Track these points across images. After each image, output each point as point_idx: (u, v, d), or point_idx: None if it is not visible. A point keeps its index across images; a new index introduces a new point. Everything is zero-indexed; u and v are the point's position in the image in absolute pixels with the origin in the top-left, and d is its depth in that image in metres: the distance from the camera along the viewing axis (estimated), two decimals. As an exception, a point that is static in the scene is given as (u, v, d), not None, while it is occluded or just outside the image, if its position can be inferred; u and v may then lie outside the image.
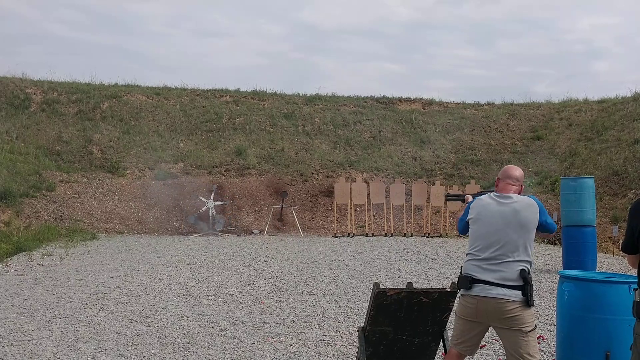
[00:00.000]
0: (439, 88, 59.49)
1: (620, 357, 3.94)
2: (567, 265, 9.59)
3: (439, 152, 20.99)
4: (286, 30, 59.04)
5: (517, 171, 3.74)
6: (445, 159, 20.73)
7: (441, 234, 16.41)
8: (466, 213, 3.78)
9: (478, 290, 3.41)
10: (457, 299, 3.70)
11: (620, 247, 2.66)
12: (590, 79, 51.91)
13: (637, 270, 2.57)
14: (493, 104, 24.81)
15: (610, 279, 4.13)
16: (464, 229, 3.79)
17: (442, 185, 17.52)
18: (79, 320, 6.35)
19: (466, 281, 3.47)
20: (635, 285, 4.01)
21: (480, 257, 3.47)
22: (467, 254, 3.62)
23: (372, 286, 4.03)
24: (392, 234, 16.29)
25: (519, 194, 3.67)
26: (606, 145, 18.41)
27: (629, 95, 21.85)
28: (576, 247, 9.59)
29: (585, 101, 23.39)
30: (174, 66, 50.56)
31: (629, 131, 18.35)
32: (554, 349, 4.99)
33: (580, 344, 4.06)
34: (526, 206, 3.52)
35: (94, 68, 56.84)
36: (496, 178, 3.82)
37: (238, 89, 24.06)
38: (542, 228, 3.54)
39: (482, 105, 24.72)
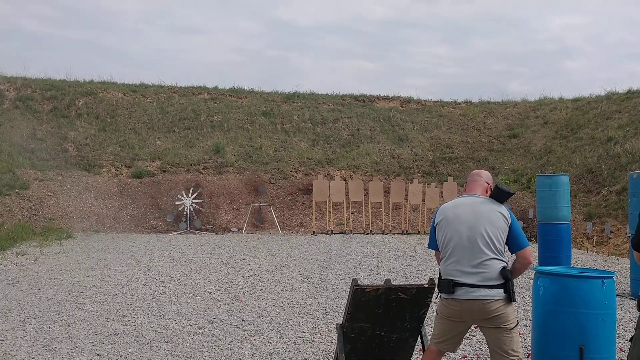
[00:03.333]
0: (416, 86, 59.88)
1: (593, 350, 4.00)
2: (542, 261, 9.72)
3: (417, 150, 21.12)
4: (262, 28, 58.82)
5: (483, 172, 3.78)
6: (423, 156, 20.88)
7: (419, 232, 16.52)
8: (433, 223, 3.73)
9: (461, 293, 3.40)
10: (438, 299, 3.69)
11: (631, 244, 2.69)
12: (562, 78, 52.67)
13: None
14: (470, 102, 25.04)
15: (584, 274, 4.18)
16: (432, 242, 3.72)
17: (420, 182, 17.64)
18: (54, 320, 6.26)
19: (448, 285, 3.43)
20: (611, 281, 4.10)
21: (457, 260, 3.44)
22: (442, 257, 3.56)
23: (350, 283, 4.03)
24: (370, 231, 16.35)
25: (486, 192, 3.68)
26: (580, 143, 18.71)
27: (603, 94, 22.26)
28: (551, 243, 9.74)
29: (560, 100, 23.74)
30: (151, 63, 50.08)
31: (603, 129, 18.67)
32: (529, 343, 5.05)
33: (555, 338, 4.11)
34: (491, 202, 3.53)
35: (68, 65, 56.08)
36: (464, 185, 3.85)
37: (216, 86, 23.94)
38: (512, 237, 3.47)
39: (459, 103, 24.93)
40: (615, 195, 15.00)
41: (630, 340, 2.56)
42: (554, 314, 4.12)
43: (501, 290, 3.36)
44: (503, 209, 3.51)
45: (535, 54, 55.21)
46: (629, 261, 11.06)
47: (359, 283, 4.06)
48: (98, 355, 5.10)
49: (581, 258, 11.43)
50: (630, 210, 8.07)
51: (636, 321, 2.58)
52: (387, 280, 4.12)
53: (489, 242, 3.41)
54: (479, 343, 5.39)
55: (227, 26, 57.23)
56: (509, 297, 3.37)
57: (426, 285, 4.12)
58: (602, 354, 4.05)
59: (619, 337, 5.52)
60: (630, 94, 20.71)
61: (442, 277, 3.51)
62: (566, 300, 4.06)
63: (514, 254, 3.61)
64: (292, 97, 23.45)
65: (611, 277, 4.11)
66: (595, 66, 55.44)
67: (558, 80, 54.42)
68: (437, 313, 3.64)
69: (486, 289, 3.35)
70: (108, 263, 10.23)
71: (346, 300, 4.40)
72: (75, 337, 5.61)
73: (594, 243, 13.53)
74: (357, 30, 57.47)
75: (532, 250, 3.76)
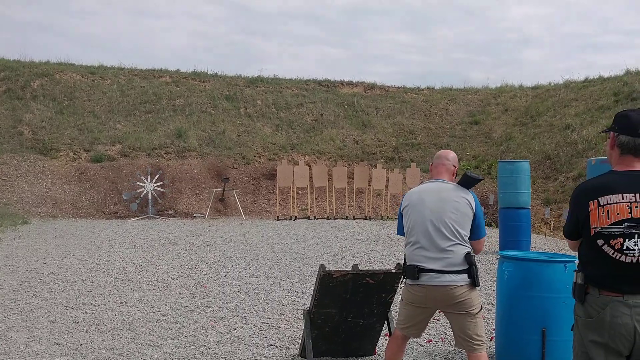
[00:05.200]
0: (379, 73, 60.13)
1: (555, 333, 4.09)
2: (503, 245, 9.90)
3: (380, 136, 21.21)
4: (224, 12, 57.98)
5: (450, 153, 3.75)
6: (387, 142, 20.98)
7: (382, 217, 16.63)
8: (400, 209, 3.70)
9: (426, 279, 3.38)
10: (403, 284, 3.68)
11: (563, 233, 2.73)
12: (522, 67, 53.68)
13: (577, 252, 2.65)
14: (433, 88, 25.25)
15: (547, 259, 4.26)
16: (400, 228, 3.67)
17: (383, 168, 17.73)
18: (9, 308, 6.06)
19: (413, 271, 3.41)
20: (572, 265, 4.18)
21: (422, 246, 3.42)
22: (407, 243, 3.54)
23: (316, 269, 4.01)
24: (334, 216, 16.38)
25: (452, 175, 3.68)
26: (539, 130, 19.09)
27: (561, 82, 22.76)
28: (512, 228, 9.92)
29: (520, 87, 24.16)
30: (110, 45, 48.79)
31: (561, 117, 19.08)
32: (492, 327, 5.14)
33: (519, 321, 4.18)
34: (458, 188, 3.53)
35: (23, 46, 54.14)
36: (430, 165, 3.82)
37: (178, 69, 23.51)
38: (474, 225, 3.48)
39: (422, 89, 25.11)
40: (572, 182, 15.38)
41: (572, 329, 2.62)
42: (518, 298, 4.19)
43: (466, 276, 3.37)
44: (469, 196, 3.52)
45: (496, 43, 56.05)
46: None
47: (327, 269, 4.04)
48: (57, 344, 4.96)
49: (540, 242, 11.69)
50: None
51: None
52: (355, 266, 4.11)
53: (453, 229, 3.40)
54: (443, 327, 5.45)
55: (188, 10, 56.20)
56: (473, 283, 3.39)
57: (394, 271, 4.13)
58: (563, 336, 4.13)
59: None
60: (587, 83, 21.23)
61: (407, 263, 3.49)
62: (530, 284, 4.14)
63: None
64: (255, 82, 23.21)
65: (572, 261, 4.19)
66: (553, 56, 56.65)
67: (518, 69, 55.41)
68: (401, 299, 3.63)
69: (451, 275, 3.35)
70: (66, 249, 9.97)
71: (313, 286, 4.37)
72: (32, 326, 5.45)
73: (551, 228, 13.87)
74: (320, 16, 57.22)
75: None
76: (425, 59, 53.25)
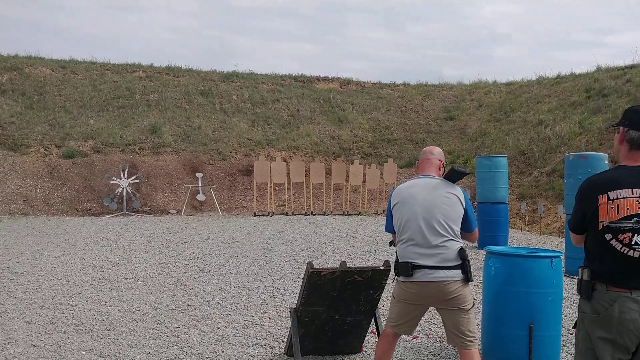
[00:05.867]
0: (355, 69, 60.20)
1: (542, 328, 4.11)
2: (481, 240, 9.88)
3: (357, 132, 21.21)
4: (196, 7, 57.32)
5: (435, 148, 3.75)
6: (363, 138, 20.99)
7: (359, 212, 16.65)
8: (389, 206, 3.67)
9: (420, 275, 3.35)
10: (394, 282, 3.64)
11: (568, 227, 2.71)
12: (494, 64, 54.34)
13: (583, 248, 2.63)
14: (408, 84, 25.34)
15: (533, 254, 4.28)
16: (389, 225, 3.65)
17: (360, 164, 17.74)
18: (-17, 310, 5.87)
19: (407, 268, 3.37)
20: (559, 261, 4.20)
21: (415, 242, 3.39)
22: (399, 240, 3.51)
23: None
24: (312, 212, 16.34)
25: (439, 169, 3.67)
26: (513, 125, 19.30)
27: (534, 78, 23.04)
28: (490, 223, 9.98)
29: (494, 83, 24.40)
30: (81, 39, 47.84)
31: (534, 112, 19.32)
32: (479, 321, 5.14)
33: (506, 316, 4.20)
34: (446, 184, 3.52)
35: (-11, 38, 52.75)
36: (416, 162, 3.80)
37: (152, 64, 23.15)
38: (465, 218, 3.48)
39: (397, 85, 25.18)
40: (546, 176, 15.59)
41: (575, 326, 2.62)
42: (505, 293, 4.20)
43: (459, 271, 3.36)
44: (458, 191, 3.50)
45: (468, 40, 56.56)
46: (560, 239, 11.55)
47: (315, 266, 3.99)
48: (34, 346, 4.81)
49: (516, 237, 11.81)
50: (566, 191, 8.36)
51: (577, 305, 2.63)
52: (343, 263, 4.06)
53: (445, 225, 3.38)
54: (427, 323, 5.45)
55: (161, 4, 55.41)
56: (467, 278, 3.37)
57: (382, 268, 4.09)
58: (549, 331, 4.18)
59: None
60: (560, 79, 21.53)
61: (400, 260, 3.46)
62: (517, 280, 4.15)
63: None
64: (230, 77, 23.00)
65: (558, 257, 4.22)
66: (524, 53, 57.44)
67: (490, 66, 56.06)
68: (393, 296, 3.59)
69: (445, 270, 3.33)
70: (40, 248, 9.73)
71: (300, 284, 4.32)
72: (7, 328, 5.28)
73: (526, 222, 14.04)
74: (295, 12, 56.97)
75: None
76: (400, 55, 53.49)
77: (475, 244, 8.91)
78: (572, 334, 5.19)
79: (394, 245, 3.65)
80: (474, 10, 62.32)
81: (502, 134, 19.16)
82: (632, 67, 19.02)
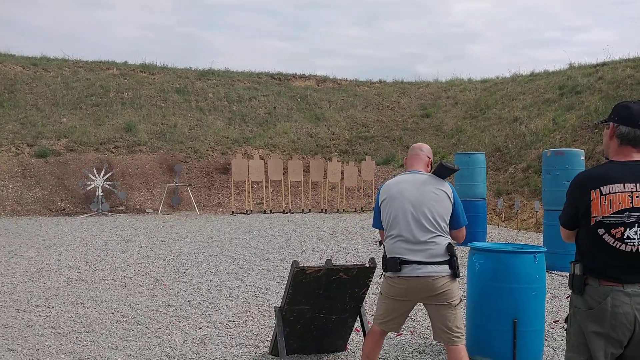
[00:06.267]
0: (331, 66, 60.21)
1: (525, 323, 4.14)
2: (460, 237, 10.02)
3: (334, 129, 21.21)
4: (170, 3, 56.73)
5: (423, 145, 3.77)
6: (340, 135, 20.99)
7: (338, 210, 16.65)
8: (377, 202, 3.66)
9: (408, 271, 3.35)
10: (381, 278, 3.62)
11: (560, 222, 2.71)
12: (467, 61, 54.90)
13: (574, 243, 2.64)
14: (385, 82, 25.41)
15: (517, 250, 4.31)
16: (377, 221, 3.64)
17: (338, 161, 17.74)
18: (-44, 313, 5.71)
19: (395, 263, 3.37)
20: (542, 256, 4.23)
21: (404, 238, 3.39)
22: (387, 236, 3.50)
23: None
24: (290, 210, 16.28)
25: (427, 166, 3.67)
26: (489, 122, 19.49)
27: (508, 75, 23.30)
28: (469, 219, 9.99)
29: (470, 81, 24.60)
30: (53, 36, 46.96)
31: (509, 110, 19.53)
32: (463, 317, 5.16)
33: (490, 312, 4.21)
34: (435, 180, 3.52)
35: (-44, 34, 51.46)
36: (404, 159, 3.81)
37: (126, 61, 22.82)
38: (454, 214, 3.50)
39: (374, 83, 25.24)
40: (522, 173, 15.78)
41: (566, 320, 2.63)
42: (490, 289, 4.22)
43: (447, 267, 3.36)
44: (447, 187, 3.50)
45: (441, 38, 57.01)
46: (536, 235, 11.70)
47: (300, 265, 3.95)
48: (11, 350, 4.69)
49: (494, 233, 11.92)
50: (544, 187, 8.45)
51: (569, 300, 2.65)
52: (328, 261, 4.03)
53: (434, 221, 3.39)
54: (411, 320, 5.45)
55: (135, 1, 54.69)
56: (454, 274, 3.38)
57: (367, 265, 4.07)
58: (533, 326, 4.20)
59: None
60: (534, 76, 21.80)
61: (388, 256, 3.45)
62: (501, 275, 4.17)
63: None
64: (206, 75, 22.79)
65: (542, 252, 4.25)
66: (497, 51, 58.11)
67: (463, 64, 56.61)
68: (380, 293, 3.57)
69: (433, 266, 3.33)
70: (13, 249, 9.52)
71: (285, 283, 4.28)
72: (-17, 332, 5.14)
73: (503, 218, 14.19)
74: (271, 9, 56.76)
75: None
76: (375, 52, 53.67)
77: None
78: (553, 328, 5.25)
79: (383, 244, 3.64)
80: (445, 8, 62.88)
81: (477, 131, 19.33)
82: (603, 64, 19.35)
